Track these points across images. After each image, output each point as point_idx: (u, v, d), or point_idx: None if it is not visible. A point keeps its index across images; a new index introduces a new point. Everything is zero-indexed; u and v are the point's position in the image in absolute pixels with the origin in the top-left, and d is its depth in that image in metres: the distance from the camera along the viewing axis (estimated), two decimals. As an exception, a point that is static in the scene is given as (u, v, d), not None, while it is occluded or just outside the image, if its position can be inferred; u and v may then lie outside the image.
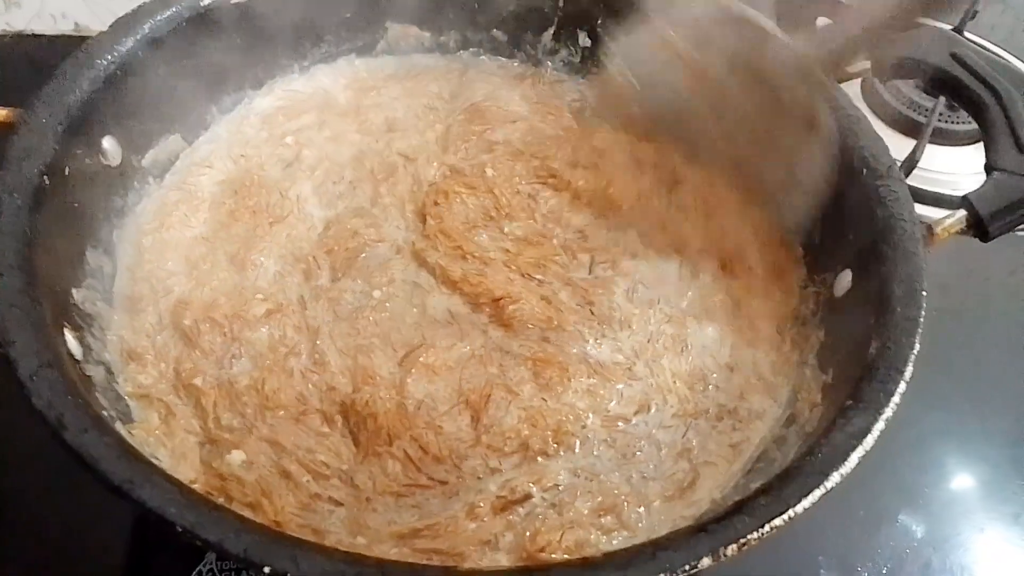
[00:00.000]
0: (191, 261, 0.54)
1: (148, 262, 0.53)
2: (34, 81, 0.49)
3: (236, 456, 0.45)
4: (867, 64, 0.55)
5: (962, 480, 0.61)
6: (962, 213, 0.48)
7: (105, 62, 0.51)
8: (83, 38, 0.52)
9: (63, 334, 0.43)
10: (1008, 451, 0.62)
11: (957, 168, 0.75)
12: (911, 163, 0.69)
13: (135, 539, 0.53)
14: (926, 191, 0.73)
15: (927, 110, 0.77)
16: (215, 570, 0.52)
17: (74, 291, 0.47)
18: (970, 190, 0.48)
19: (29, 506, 0.54)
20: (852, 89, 0.70)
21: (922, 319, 0.43)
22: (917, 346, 0.42)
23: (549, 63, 0.69)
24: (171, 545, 0.53)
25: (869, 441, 0.39)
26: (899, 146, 0.71)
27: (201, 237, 0.55)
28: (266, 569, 0.32)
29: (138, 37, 0.53)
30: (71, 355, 0.42)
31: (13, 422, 0.54)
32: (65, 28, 0.88)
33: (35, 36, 0.87)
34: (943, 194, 0.72)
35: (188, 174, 0.58)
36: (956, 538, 0.58)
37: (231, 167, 0.60)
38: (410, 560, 0.40)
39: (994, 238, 0.48)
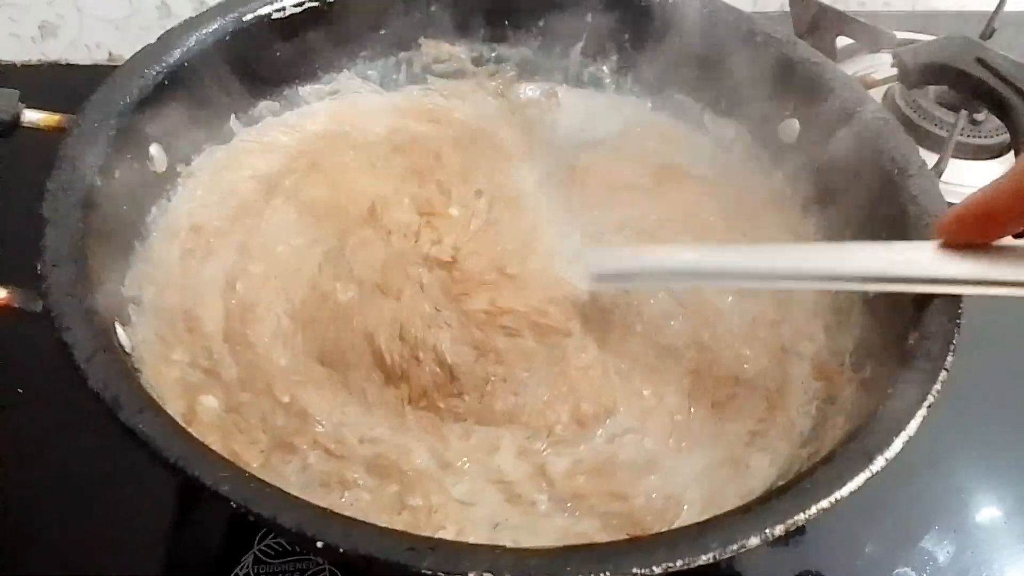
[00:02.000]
0: None
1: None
2: (69, 109, 0.50)
3: None
4: (893, 71, 0.56)
5: (992, 500, 0.60)
6: (994, 211, 0.49)
7: (154, 72, 0.53)
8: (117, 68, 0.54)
9: (115, 327, 0.44)
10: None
11: (981, 181, 0.75)
12: (936, 175, 0.70)
13: (171, 545, 0.53)
14: (952, 204, 0.73)
15: (949, 125, 0.78)
16: (251, 575, 0.52)
17: (122, 288, 0.48)
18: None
19: (61, 514, 0.54)
20: (875, 101, 0.72)
21: (960, 309, 0.43)
22: (957, 335, 0.42)
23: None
24: (206, 552, 0.54)
25: (913, 426, 0.39)
26: (922, 160, 0.72)
27: None
28: (319, 543, 0.32)
29: (184, 49, 0.54)
30: (122, 347, 0.43)
31: (54, 430, 0.56)
32: (99, 58, 0.91)
33: (70, 66, 0.90)
34: (968, 206, 0.72)
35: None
36: (986, 557, 0.57)
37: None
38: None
39: (1025, 238, 0.48)
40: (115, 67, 0.53)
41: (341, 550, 0.32)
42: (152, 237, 0.54)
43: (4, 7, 0.86)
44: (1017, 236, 0.43)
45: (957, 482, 0.60)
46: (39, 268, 0.41)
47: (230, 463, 0.35)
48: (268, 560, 0.52)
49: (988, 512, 0.59)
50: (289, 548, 0.52)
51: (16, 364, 0.59)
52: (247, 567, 0.52)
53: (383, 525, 0.34)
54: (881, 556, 0.56)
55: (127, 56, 0.54)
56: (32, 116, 0.49)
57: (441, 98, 0.68)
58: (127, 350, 0.44)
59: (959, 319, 0.43)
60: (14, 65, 0.88)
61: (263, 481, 0.35)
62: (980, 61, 0.53)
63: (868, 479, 0.37)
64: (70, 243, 0.42)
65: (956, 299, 0.44)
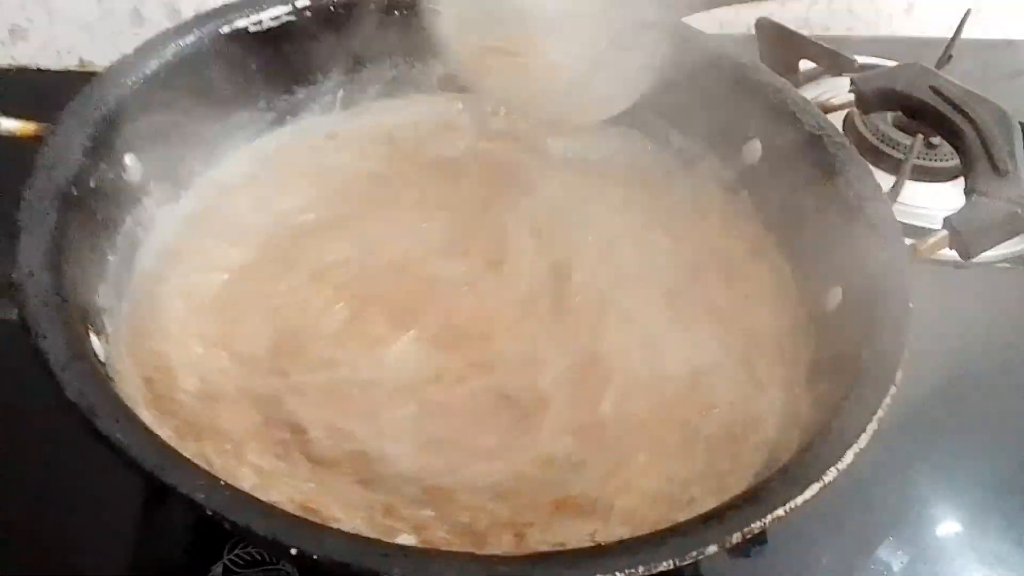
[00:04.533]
0: None
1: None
2: (39, 114, 0.51)
3: None
4: (851, 97, 0.59)
5: (946, 512, 0.62)
6: (944, 233, 0.51)
7: (130, 82, 0.53)
8: (88, 73, 0.54)
9: (88, 335, 0.44)
10: (993, 479, 0.64)
11: (937, 203, 0.78)
12: (892, 197, 0.72)
13: (139, 555, 0.53)
14: (907, 224, 0.75)
15: (906, 147, 0.80)
16: (223, 578, 0.52)
17: (96, 297, 0.49)
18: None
19: (25, 526, 0.54)
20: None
21: (910, 328, 0.45)
22: (906, 352, 0.44)
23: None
24: (175, 562, 0.54)
25: (864, 439, 0.41)
26: (879, 182, 0.75)
27: None
28: (292, 550, 0.33)
29: (162, 60, 0.55)
30: (96, 355, 0.43)
31: (16, 439, 0.56)
32: (70, 63, 0.90)
33: (40, 70, 0.89)
34: (924, 227, 0.75)
35: None
36: (939, 568, 0.59)
37: None
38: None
39: (975, 256, 0.51)
40: (85, 72, 0.54)
41: (315, 557, 0.33)
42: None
43: (-27, 11, 0.86)
44: None
45: (913, 494, 0.62)
46: (14, 276, 0.41)
47: (205, 472, 0.36)
48: (238, 570, 0.52)
49: (942, 524, 0.61)
50: (259, 558, 0.52)
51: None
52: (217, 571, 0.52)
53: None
54: (838, 566, 0.58)
55: (98, 61, 0.54)
56: (8, 125, 0.49)
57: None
58: (101, 359, 0.44)
59: (907, 338, 0.45)
60: (-17, 68, 0.88)
61: (237, 489, 0.35)
62: (933, 89, 0.55)
63: (821, 489, 0.39)
64: (45, 252, 0.43)
65: (905, 317, 0.46)
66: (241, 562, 0.52)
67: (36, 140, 0.49)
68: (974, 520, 0.61)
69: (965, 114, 0.52)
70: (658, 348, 0.55)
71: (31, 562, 0.52)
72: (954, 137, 0.53)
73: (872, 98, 0.57)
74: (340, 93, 0.67)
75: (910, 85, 0.55)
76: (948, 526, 0.61)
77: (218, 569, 0.52)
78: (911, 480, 0.63)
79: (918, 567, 0.58)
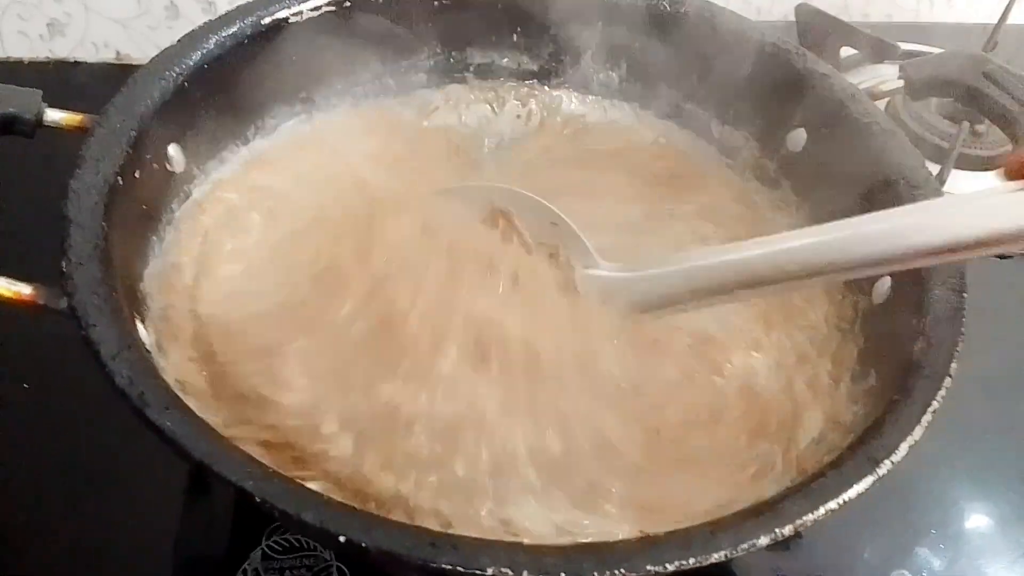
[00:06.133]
0: None
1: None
2: (77, 107, 0.52)
3: None
4: (899, 83, 0.58)
5: (988, 508, 0.61)
6: (997, 223, 0.50)
7: (173, 74, 0.53)
8: (124, 66, 0.54)
9: (136, 324, 0.44)
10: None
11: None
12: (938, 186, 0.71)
13: (178, 541, 0.54)
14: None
15: (951, 136, 0.79)
16: (259, 571, 0.53)
17: (140, 285, 0.49)
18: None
19: (67, 510, 0.54)
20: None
21: (964, 318, 0.45)
22: (961, 344, 0.43)
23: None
24: (214, 548, 0.54)
25: (918, 432, 0.40)
26: (925, 170, 0.73)
27: None
28: (341, 539, 0.33)
29: (203, 52, 0.55)
30: (143, 344, 0.44)
31: (59, 427, 0.56)
32: (107, 56, 0.91)
33: (76, 64, 0.90)
34: (969, 216, 0.74)
35: None
36: (980, 563, 0.58)
37: None
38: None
39: (1029, 248, 0.49)
40: (122, 66, 0.54)
41: (363, 545, 0.33)
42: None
43: (13, 4, 0.87)
44: None
45: (954, 490, 0.62)
46: (64, 267, 0.41)
47: (254, 460, 0.36)
48: (276, 556, 0.52)
49: (984, 520, 0.60)
50: (297, 544, 0.53)
51: (19, 361, 0.60)
52: (255, 563, 0.52)
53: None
54: (879, 561, 0.57)
55: (134, 55, 0.54)
56: (54, 116, 0.49)
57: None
58: (147, 347, 0.45)
59: (963, 327, 0.44)
60: (22, 62, 0.89)
61: (286, 478, 0.35)
62: (986, 75, 0.54)
63: (874, 482, 0.38)
64: (93, 242, 0.43)
65: (959, 307, 0.45)
66: (279, 548, 0.53)
67: (81, 131, 0.49)
68: (1018, 517, 0.60)
69: (1019, 100, 0.51)
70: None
71: (74, 545, 0.53)
72: (1007, 124, 0.52)
73: (923, 85, 0.56)
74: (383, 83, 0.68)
75: (962, 72, 0.54)
76: (992, 523, 0.60)
77: (256, 555, 0.52)
78: (954, 476, 0.62)
79: (961, 563, 0.57)
